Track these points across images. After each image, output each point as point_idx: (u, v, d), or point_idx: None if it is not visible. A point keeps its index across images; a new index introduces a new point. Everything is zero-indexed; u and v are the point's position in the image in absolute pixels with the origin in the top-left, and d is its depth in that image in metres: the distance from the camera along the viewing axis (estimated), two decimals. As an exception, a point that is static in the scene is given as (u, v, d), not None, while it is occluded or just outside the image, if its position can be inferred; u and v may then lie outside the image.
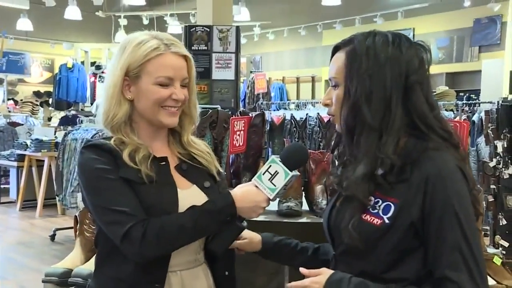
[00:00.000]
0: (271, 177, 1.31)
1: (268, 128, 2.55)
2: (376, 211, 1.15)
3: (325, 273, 1.17)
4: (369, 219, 1.16)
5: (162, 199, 1.33)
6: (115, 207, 1.27)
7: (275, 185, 1.31)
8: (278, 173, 1.31)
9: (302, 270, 1.22)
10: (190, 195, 1.38)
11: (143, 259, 1.28)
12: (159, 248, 1.28)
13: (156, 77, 1.34)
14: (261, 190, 1.32)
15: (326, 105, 1.27)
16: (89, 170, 1.31)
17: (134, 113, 1.38)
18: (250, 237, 1.50)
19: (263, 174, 1.32)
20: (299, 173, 1.36)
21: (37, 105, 10.06)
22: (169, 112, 1.38)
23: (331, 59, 1.26)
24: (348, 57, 1.20)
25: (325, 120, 2.61)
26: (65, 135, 5.17)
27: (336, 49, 1.25)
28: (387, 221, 1.13)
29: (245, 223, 1.36)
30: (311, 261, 1.44)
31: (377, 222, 1.14)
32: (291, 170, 1.31)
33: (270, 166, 1.32)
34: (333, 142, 1.33)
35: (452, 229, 1.08)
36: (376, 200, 1.16)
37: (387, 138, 1.15)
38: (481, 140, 3.99)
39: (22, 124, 8.41)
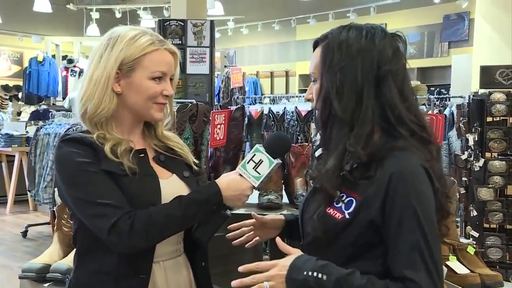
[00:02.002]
0: (255, 166, 1.34)
1: (246, 122, 2.56)
2: (339, 205, 1.17)
3: (294, 254, 1.17)
4: (331, 213, 1.18)
5: (145, 190, 1.34)
6: (99, 200, 1.27)
7: (259, 173, 1.34)
8: (262, 161, 1.34)
9: (278, 241, 1.22)
10: (171, 184, 1.41)
11: (131, 251, 1.29)
12: (148, 238, 1.29)
13: (152, 71, 1.36)
14: (246, 179, 1.34)
15: (308, 100, 1.29)
16: (69, 164, 1.31)
17: (118, 107, 1.38)
18: (271, 218, 1.50)
19: (248, 162, 1.35)
20: (281, 161, 1.39)
21: (6, 99, 9.82)
22: (160, 107, 1.41)
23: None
24: (323, 51, 1.22)
25: (303, 114, 2.63)
26: (38, 129, 5.07)
27: (316, 44, 1.27)
28: (347, 216, 1.15)
29: (229, 212, 1.39)
30: None
31: (338, 216, 1.16)
32: (274, 158, 1.34)
33: (255, 154, 1.35)
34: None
35: (411, 229, 1.09)
36: (341, 195, 1.18)
37: (358, 131, 1.16)
38: (453, 133, 4.09)
39: (-10, 119, 8.21)
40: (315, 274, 1.11)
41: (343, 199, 1.17)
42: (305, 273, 1.12)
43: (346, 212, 1.16)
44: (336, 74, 1.17)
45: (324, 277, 1.10)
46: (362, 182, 1.15)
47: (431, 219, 1.12)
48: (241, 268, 1.18)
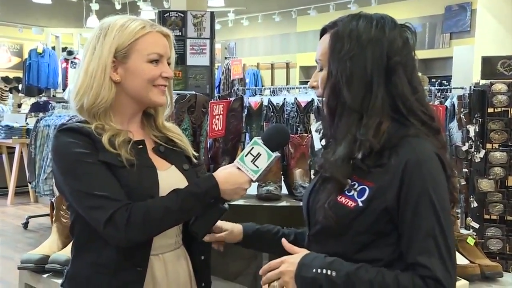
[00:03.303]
0: (253, 159, 1.32)
1: (246, 113, 2.55)
2: (351, 193, 1.17)
3: (302, 252, 1.19)
4: (343, 201, 1.17)
5: (143, 181, 1.33)
6: (96, 191, 1.26)
7: (258, 167, 1.32)
8: (260, 154, 1.32)
9: (284, 242, 1.24)
10: (169, 176, 1.40)
11: (128, 244, 1.28)
12: (145, 231, 1.28)
13: (148, 54, 1.35)
14: (244, 172, 1.33)
15: (313, 87, 1.28)
16: (67, 154, 1.29)
17: (117, 96, 1.37)
18: (231, 228, 1.50)
19: (246, 156, 1.33)
20: (279, 154, 1.38)
21: (6, 91, 9.80)
22: (161, 91, 1.39)
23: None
24: (332, 39, 1.21)
25: (303, 105, 2.62)
26: (37, 121, 5.08)
27: (323, 31, 1.26)
28: (360, 204, 1.15)
29: (226, 205, 1.37)
30: None
31: (351, 204, 1.16)
32: (273, 151, 1.32)
33: (253, 148, 1.33)
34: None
35: (427, 216, 1.09)
36: (352, 183, 1.17)
37: (368, 120, 1.16)
38: (454, 125, 4.08)
39: (-9, 111, 8.20)
40: (324, 271, 1.12)
41: (355, 187, 1.17)
42: (314, 270, 1.13)
43: (359, 200, 1.15)
44: (346, 62, 1.16)
45: (334, 273, 1.11)
46: (376, 170, 1.15)
47: (446, 207, 1.13)
48: (261, 272, 1.22)
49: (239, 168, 1.33)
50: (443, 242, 1.09)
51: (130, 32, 1.34)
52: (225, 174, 1.34)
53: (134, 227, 1.25)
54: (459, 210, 3.56)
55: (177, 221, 1.36)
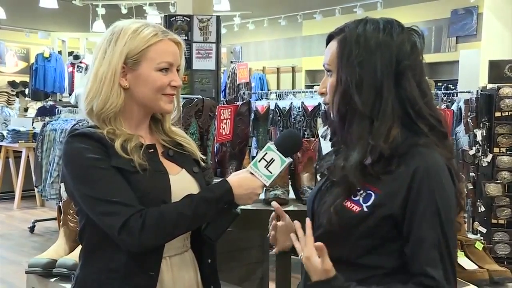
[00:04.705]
0: (267, 164, 1.33)
1: (252, 117, 2.54)
2: (357, 198, 1.17)
3: (326, 272, 1.12)
4: (349, 206, 1.17)
5: (155, 186, 1.33)
6: (109, 197, 1.26)
7: (271, 172, 1.33)
8: (274, 160, 1.33)
9: (319, 245, 1.15)
10: (180, 180, 1.40)
11: (142, 249, 1.28)
12: (159, 237, 1.28)
13: (158, 62, 1.35)
14: (257, 177, 1.33)
15: (322, 94, 1.28)
16: (79, 160, 1.29)
17: (126, 102, 1.36)
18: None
19: (259, 161, 1.34)
20: (292, 160, 1.38)
21: (13, 95, 9.87)
22: (169, 99, 1.39)
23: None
24: (340, 45, 1.21)
25: (309, 109, 2.61)
26: (44, 125, 5.11)
27: (330, 38, 1.26)
28: (365, 209, 1.15)
29: (238, 210, 1.38)
30: None
31: (356, 209, 1.16)
32: (286, 157, 1.33)
33: (266, 153, 1.34)
34: (329, 131, 1.33)
35: (433, 226, 1.10)
36: (358, 188, 1.17)
37: (379, 125, 1.15)
38: (460, 129, 4.06)
39: (-2, 115, 8.25)
40: None
41: (360, 192, 1.17)
42: None
43: (364, 205, 1.15)
44: (355, 67, 1.16)
45: None
46: (383, 177, 1.15)
47: (452, 219, 1.14)
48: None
49: (252, 173, 1.34)
50: (447, 254, 1.11)
51: (142, 38, 1.34)
52: (238, 179, 1.35)
53: (149, 232, 1.25)
54: (466, 215, 3.54)
55: (190, 226, 1.36)
